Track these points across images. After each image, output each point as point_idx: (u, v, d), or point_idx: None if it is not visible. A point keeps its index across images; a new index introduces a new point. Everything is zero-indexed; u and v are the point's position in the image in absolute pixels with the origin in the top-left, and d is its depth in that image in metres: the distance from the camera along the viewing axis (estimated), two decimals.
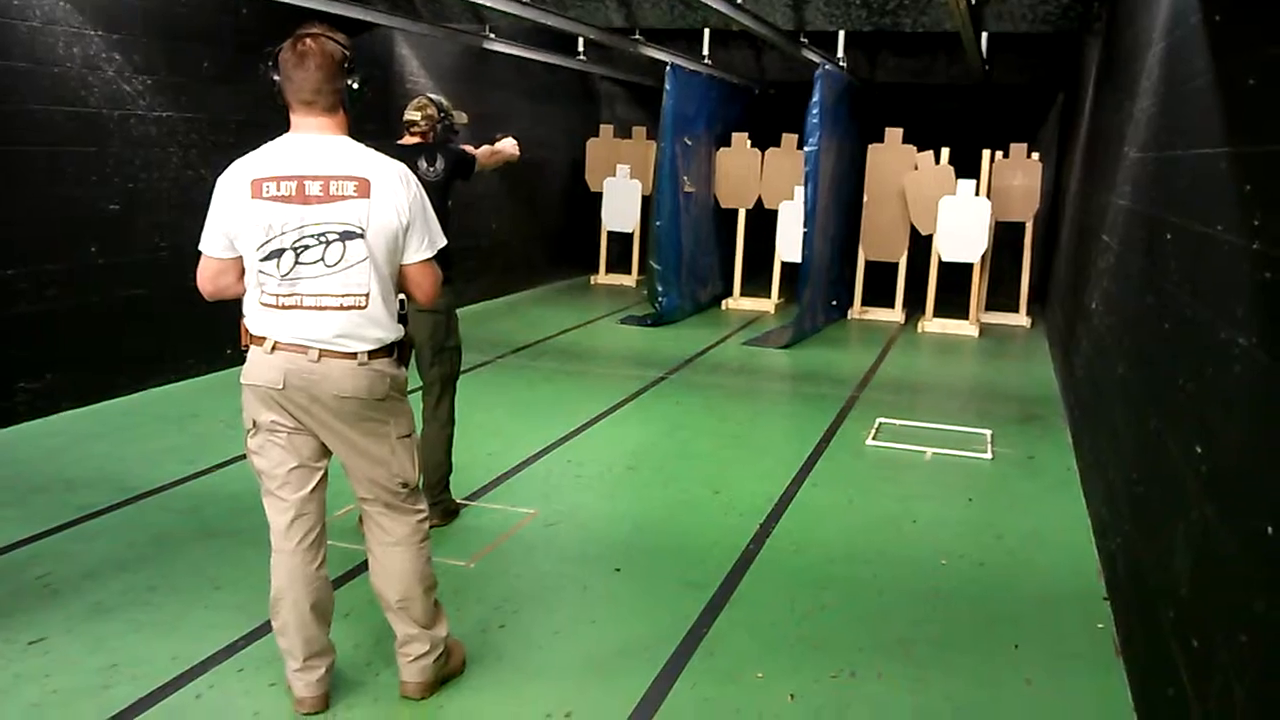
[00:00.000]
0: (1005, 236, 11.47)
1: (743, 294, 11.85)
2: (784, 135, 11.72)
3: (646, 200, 12.29)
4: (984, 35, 9.05)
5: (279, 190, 2.92)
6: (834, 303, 10.99)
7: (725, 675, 3.55)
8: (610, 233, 13.25)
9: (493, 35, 9.80)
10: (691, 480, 5.66)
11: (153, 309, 6.95)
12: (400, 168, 3.05)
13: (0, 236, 5.93)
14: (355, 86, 3.03)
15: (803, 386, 8.35)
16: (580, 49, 11.35)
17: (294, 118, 3.01)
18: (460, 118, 4.83)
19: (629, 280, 13.21)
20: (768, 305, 11.58)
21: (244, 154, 3.05)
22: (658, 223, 10.42)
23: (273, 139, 3.05)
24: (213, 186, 3.06)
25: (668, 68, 10.27)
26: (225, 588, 4.08)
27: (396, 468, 3.17)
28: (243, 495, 5.07)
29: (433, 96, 4.80)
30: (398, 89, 9.39)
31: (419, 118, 4.69)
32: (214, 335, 7.42)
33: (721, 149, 11.86)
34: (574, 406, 7.02)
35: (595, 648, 3.72)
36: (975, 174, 10.59)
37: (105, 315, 6.64)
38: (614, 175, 13.03)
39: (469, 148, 4.86)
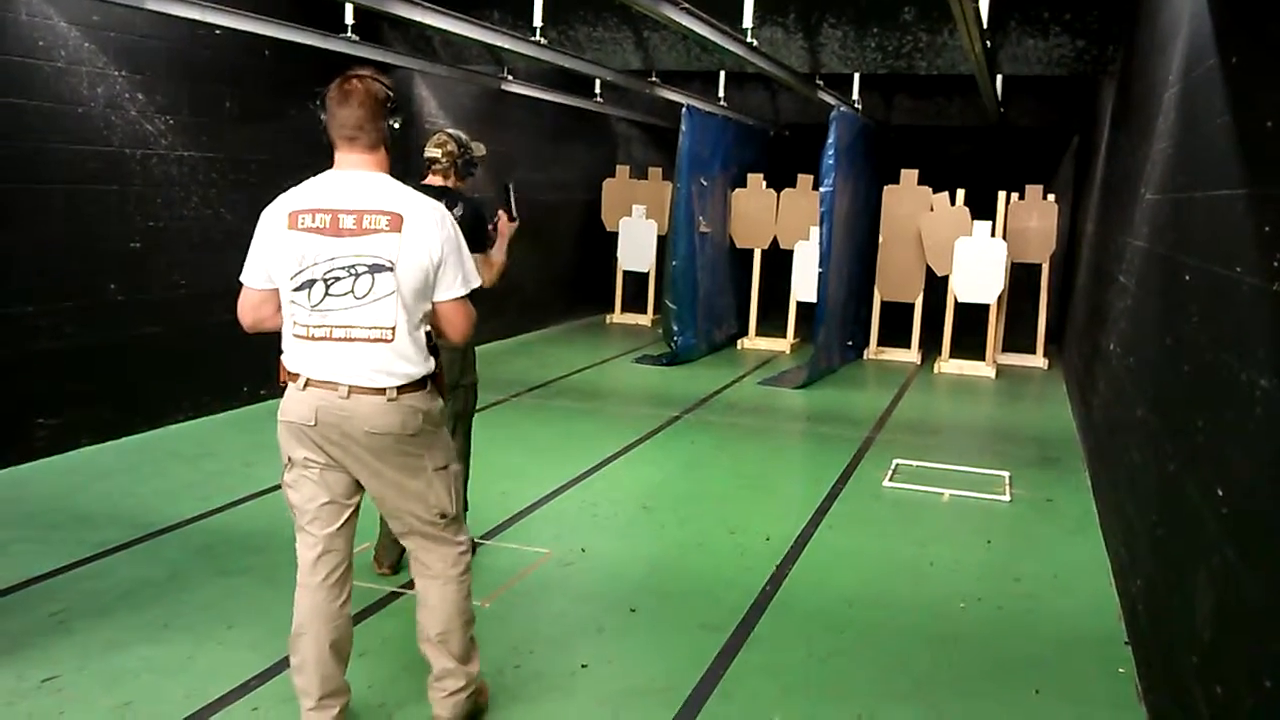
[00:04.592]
0: (1022, 278, 11.46)
1: (758, 334, 11.84)
2: (799, 176, 11.76)
3: (662, 240, 12.34)
4: (999, 78, 9.09)
5: (314, 222, 2.97)
6: (850, 343, 10.98)
7: (742, 719, 3.52)
8: (626, 272, 13.29)
9: (510, 77, 9.89)
10: (707, 520, 5.63)
11: (171, 347, 6.99)
12: (437, 206, 3.08)
13: (21, 273, 5.99)
14: (396, 126, 3.09)
15: (819, 427, 8.32)
16: (597, 90, 11.44)
17: (337, 154, 3.07)
18: (479, 149, 4.81)
19: (644, 320, 13.23)
20: (783, 345, 11.57)
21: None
22: (674, 262, 10.45)
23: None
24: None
25: (684, 109, 10.33)
26: (239, 626, 4.07)
27: (434, 499, 3.17)
28: (257, 534, 5.08)
29: (451, 132, 4.78)
30: (417, 129, 9.47)
31: (440, 154, 4.67)
32: (231, 374, 7.47)
33: (737, 189, 11.90)
34: (589, 446, 7.01)
35: (611, 690, 3.69)
36: (991, 215, 10.59)
37: (124, 353, 6.67)
38: (630, 215, 13.09)
39: (502, 217, 4.61)
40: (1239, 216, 3.04)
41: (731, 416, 8.33)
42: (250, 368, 7.56)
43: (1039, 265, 11.08)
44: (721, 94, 10.96)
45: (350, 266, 2.95)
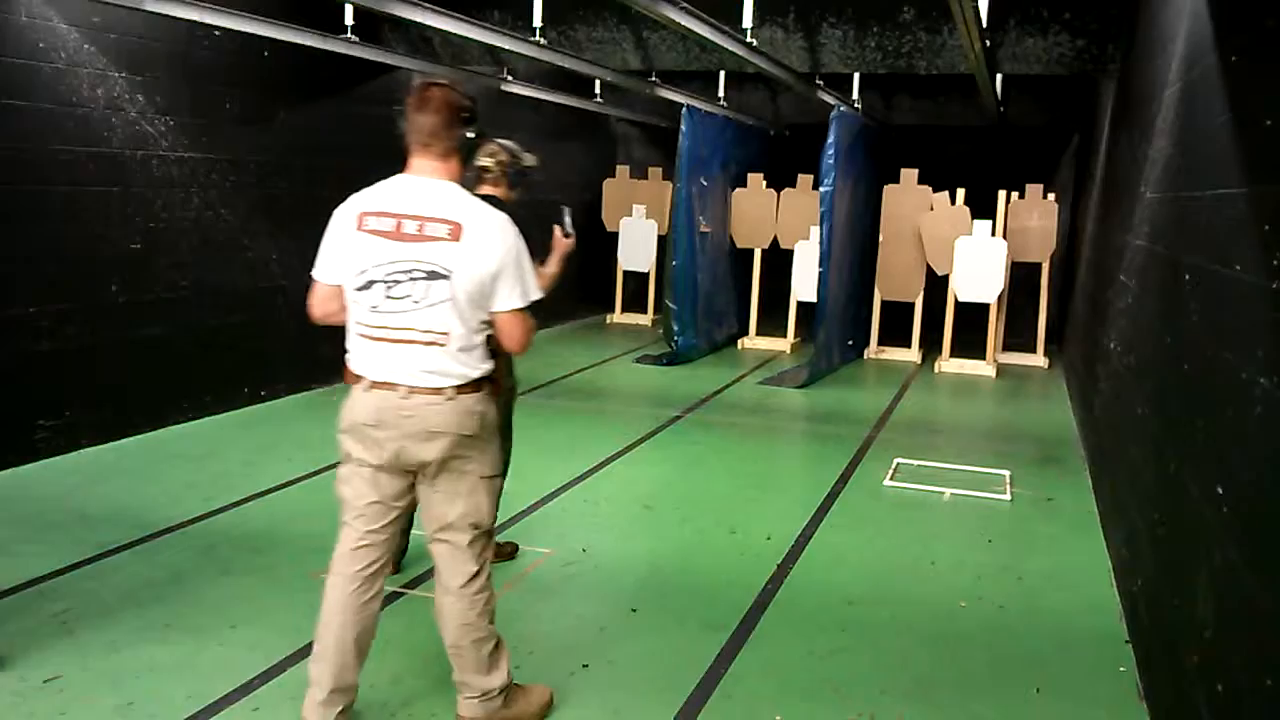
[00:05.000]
0: (1022, 277, 11.46)
1: (759, 334, 11.85)
2: (799, 176, 11.77)
3: (662, 240, 12.34)
4: (998, 77, 9.09)
5: (379, 225, 3.05)
6: (850, 342, 10.97)
7: (743, 718, 3.52)
8: (626, 272, 13.30)
9: (510, 77, 9.89)
10: (708, 520, 5.63)
11: (172, 348, 7.00)
12: (500, 217, 3.12)
13: (23, 274, 5.99)
14: (472, 136, 3.16)
15: (819, 426, 8.33)
16: (597, 91, 11.45)
17: (411, 160, 3.14)
18: (529, 159, 4.87)
19: (645, 320, 13.24)
20: (784, 345, 11.58)
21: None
22: (674, 262, 10.45)
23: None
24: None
25: (684, 109, 10.34)
26: (241, 626, 4.07)
27: (471, 506, 3.21)
28: (259, 534, 5.08)
29: (503, 142, 4.81)
30: None
31: (491, 164, 4.71)
32: (232, 374, 7.48)
33: (737, 189, 11.90)
34: (590, 445, 7.01)
35: (612, 689, 3.69)
36: (991, 214, 10.59)
37: (125, 353, 6.68)
38: (630, 215, 13.09)
39: (557, 233, 4.63)
40: (1239, 215, 3.04)
41: (732, 416, 8.33)
42: (251, 368, 7.58)
43: (1039, 264, 11.08)
44: (721, 94, 10.96)
45: (409, 271, 3.02)
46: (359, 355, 3.13)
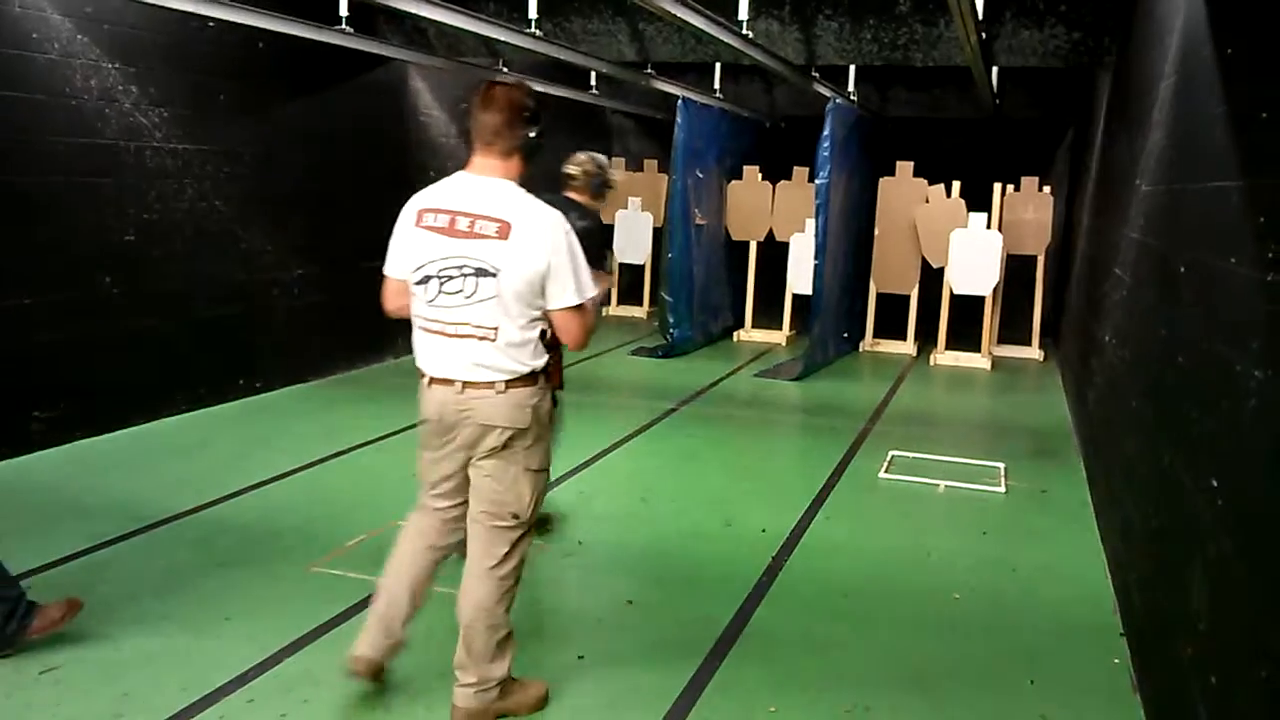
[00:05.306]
0: (1017, 269, 11.46)
1: (754, 326, 11.85)
2: (795, 168, 11.76)
3: (658, 232, 12.34)
4: (994, 70, 9.09)
5: (435, 221, 3.15)
6: (845, 335, 10.98)
7: (738, 710, 3.53)
8: (622, 264, 13.28)
9: (505, 69, 9.86)
10: (704, 512, 5.64)
11: (166, 340, 6.99)
12: (555, 217, 3.16)
13: (17, 266, 5.98)
14: (534, 136, 3.23)
15: (815, 419, 8.33)
16: (592, 83, 11.42)
17: (473, 157, 3.21)
18: (615, 175, 4.99)
19: (640, 312, 13.24)
20: (779, 337, 11.58)
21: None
22: (669, 255, 10.44)
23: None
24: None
25: (679, 101, 10.32)
26: (235, 618, 4.07)
27: (513, 497, 3.28)
28: (254, 526, 5.08)
29: (594, 155, 5.01)
30: (410, 121, 9.45)
31: (577, 173, 4.91)
32: (226, 366, 7.47)
33: (733, 181, 11.89)
34: (586, 438, 6.99)
35: (608, 682, 3.69)
36: (987, 207, 10.59)
37: (119, 345, 6.67)
38: (626, 208, 13.08)
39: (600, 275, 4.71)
40: (1234, 208, 3.04)
41: (728, 408, 8.33)
42: (245, 360, 7.56)
43: (1034, 257, 11.08)
44: (717, 86, 10.93)
45: (460, 267, 3.10)
46: (420, 350, 3.23)
